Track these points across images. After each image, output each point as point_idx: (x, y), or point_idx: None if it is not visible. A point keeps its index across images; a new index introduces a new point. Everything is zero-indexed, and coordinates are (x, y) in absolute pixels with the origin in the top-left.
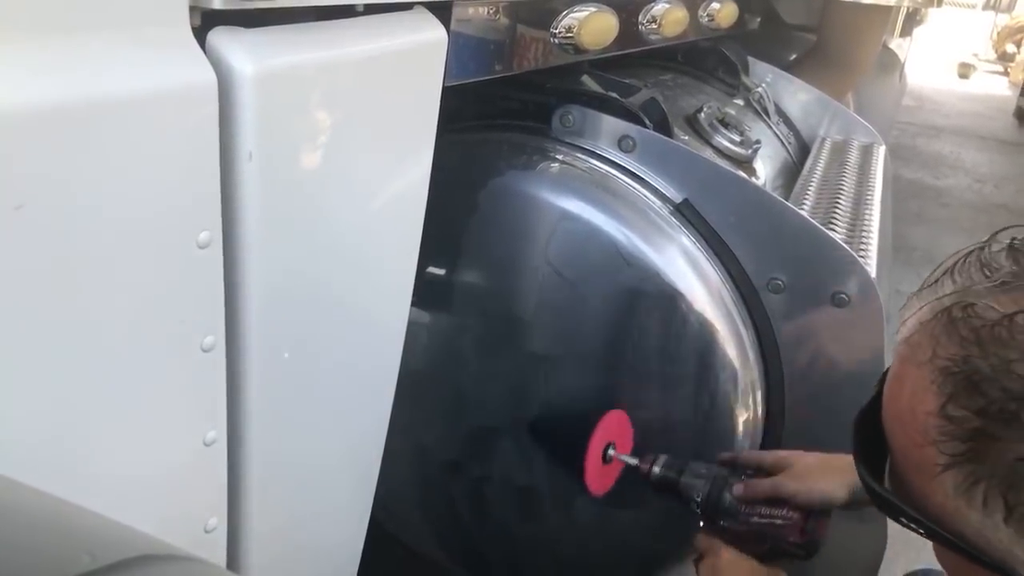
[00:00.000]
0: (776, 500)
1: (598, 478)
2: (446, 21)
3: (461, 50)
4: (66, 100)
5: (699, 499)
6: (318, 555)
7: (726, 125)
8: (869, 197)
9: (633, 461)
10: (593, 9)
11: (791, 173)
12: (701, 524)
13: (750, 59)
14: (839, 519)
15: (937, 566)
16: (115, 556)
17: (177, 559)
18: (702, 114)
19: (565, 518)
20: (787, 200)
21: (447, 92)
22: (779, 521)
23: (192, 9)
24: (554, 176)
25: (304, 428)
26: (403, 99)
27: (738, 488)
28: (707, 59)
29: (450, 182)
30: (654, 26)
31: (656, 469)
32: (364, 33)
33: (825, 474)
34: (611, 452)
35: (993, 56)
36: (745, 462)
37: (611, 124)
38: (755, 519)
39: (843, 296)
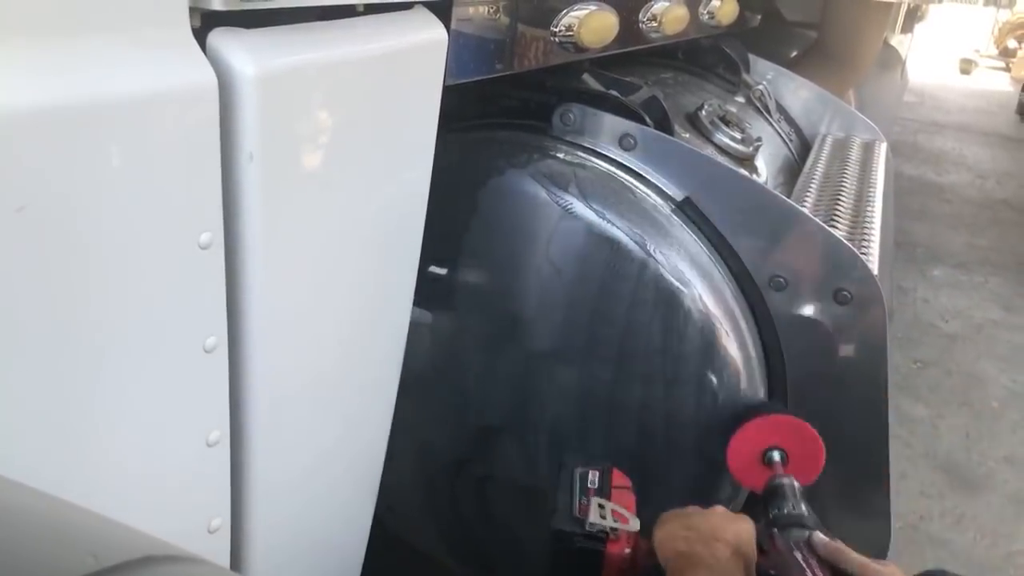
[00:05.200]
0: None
1: (745, 471)
2: (446, 20)
3: (461, 49)
4: (67, 102)
5: (780, 510)
6: (322, 555)
7: (727, 123)
8: (871, 194)
9: (794, 483)
10: (593, 7)
11: (792, 170)
12: (759, 520)
13: (751, 56)
14: (840, 514)
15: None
16: (118, 557)
17: (180, 560)
18: (703, 112)
19: None
20: (789, 197)
21: (448, 91)
22: None
23: (192, 10)
24: (555, 175)
25: (307, 428)
26: (404, 99)
27: (821, 538)
28: (708, 57)
29: (451, 181)
30: (654, 24)
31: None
32: (364, 33)
33: None
34: (775, 457)
35: (995, 52)
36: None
37: (612, 122)
38: (799, 559)
39: (845, 293)
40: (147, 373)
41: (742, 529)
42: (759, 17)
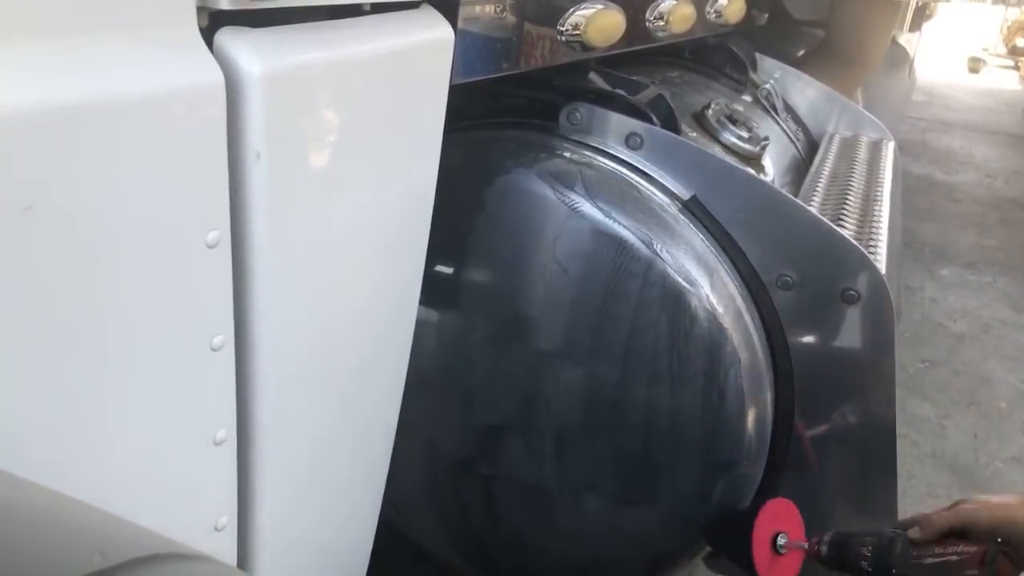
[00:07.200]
0: (953, 537)
1: (774, 570)
2: (453, 19)
3: (468, 48)
4: (74, 101)
5: (868, 555)
6: (328, 554)
7: (734, 122)
8: (878, 193)
9: (802, 544)
10: (600, 6)
11: (800, 169)
12: None
13: (758, 55)
14: (847, 515)
15: None
16: (126, 555)
17: (187, 558)
18: (710, 111)
19: (574, 518)
20: (796, 197)
21: (454, 90)
22: (954, 557)
23: (199, 9)
24: (561, 174)
25: (313, 427)
26: (410, 98)
27: (914, 531)
28: (715, 55)
29: (458, 180)
30: (661, 23)
31: (823, 548)
32: (371, 32)
33: (1019, 505)
34: (781, 541)
35: (1003, 51)
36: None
37: (618, 121)
38: (928, 559)
39: (853, 293)
40: (154, 371)
41: None
42: (766, 16)
